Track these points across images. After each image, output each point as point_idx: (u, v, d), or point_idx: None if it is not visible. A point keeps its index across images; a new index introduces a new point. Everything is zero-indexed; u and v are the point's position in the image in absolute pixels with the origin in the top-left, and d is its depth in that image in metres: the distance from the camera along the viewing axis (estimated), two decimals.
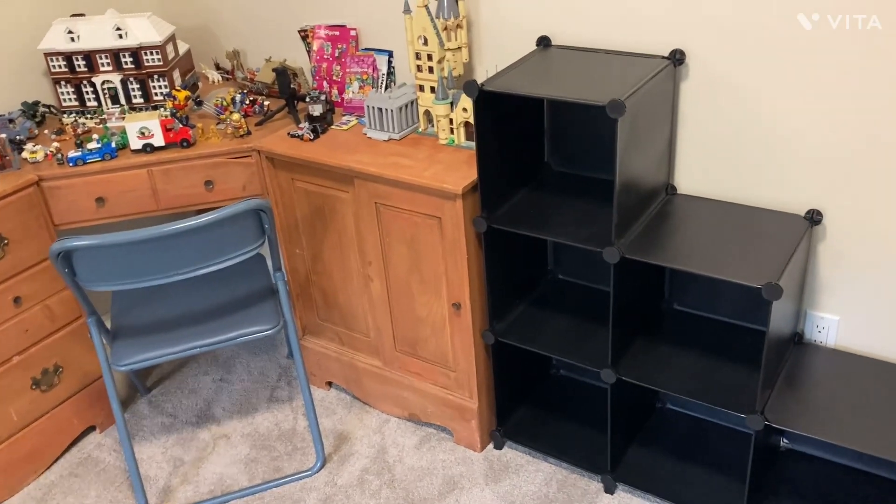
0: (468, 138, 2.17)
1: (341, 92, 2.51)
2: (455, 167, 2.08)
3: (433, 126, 2.25)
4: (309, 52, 2.59)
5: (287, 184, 2.36)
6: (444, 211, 2.05)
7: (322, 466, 2.37)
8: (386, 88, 2.43)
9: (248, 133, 2.39)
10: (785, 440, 2.16)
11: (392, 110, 2.23)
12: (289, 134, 2.34)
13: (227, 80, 2.81)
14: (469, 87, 1.86)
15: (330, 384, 2.69)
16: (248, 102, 2.51)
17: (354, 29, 2.49)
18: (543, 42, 2.10)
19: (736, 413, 1.84)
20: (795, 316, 2.02)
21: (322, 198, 2.30)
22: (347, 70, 2.46)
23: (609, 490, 2.19)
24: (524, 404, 2.44)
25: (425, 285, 2.21)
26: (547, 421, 2.38)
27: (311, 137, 2.30)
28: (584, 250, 1.89)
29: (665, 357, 2.04)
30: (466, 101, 2.09)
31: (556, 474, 2.27)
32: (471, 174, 2.01)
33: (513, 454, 2.36)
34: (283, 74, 2.40)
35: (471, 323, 2.17)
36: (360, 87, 2.44)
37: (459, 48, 2.17)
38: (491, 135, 1.98)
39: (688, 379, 1.96)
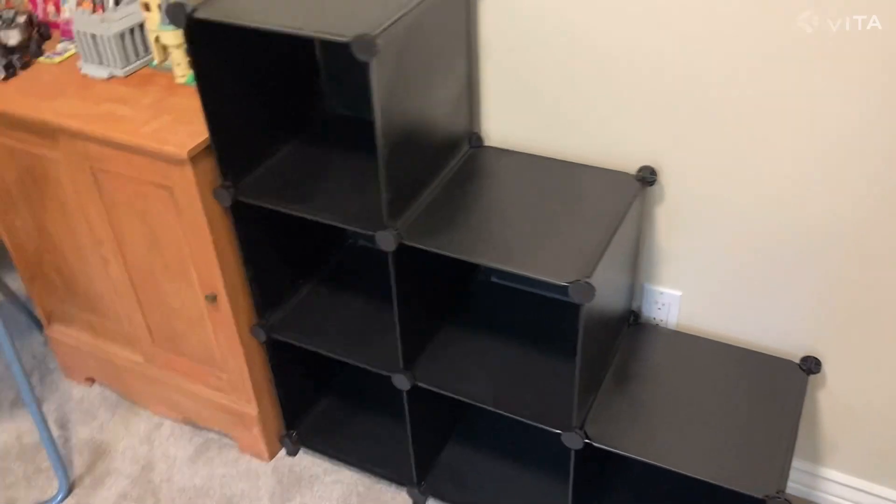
0: None
1: (59, 8, 1.88)
2: (190, 117, 1.54)
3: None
4: None
5: None
6: (173, 179, 1.52)
7: (67, 494, 1.89)
8: (116, 4, 1.83)
9: None
10: None
11: (109, 38, 1.64)
12: None
13: None
14: (173, 12, 1.31)
15: (92, 379, 2.18)
16: None
17: None
18: None
19: (551, 430, 1.46)
20: (629, 291, 1.64)
21: (29, 157, 1.72)
22: None
23: (418, 503, 1.81)
24: (323, 398, 2.01)
25: (170, 271, 1.70)
26: (349, 419, 1.97)
27: (2, 76, 1.69)
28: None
29: (473, 352, 1.63)
30: None
31: (358, 485, 1.87)
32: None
33: (309, 461, 1.94)
34: None
35: (232, 318, 1.69)
36: (80, 2, 1.83)
37: None
38: (225, 76, 1.45)
39: (497, 383, 1.56)
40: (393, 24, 1.23)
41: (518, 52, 1.51)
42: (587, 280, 1.24)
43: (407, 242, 1.38)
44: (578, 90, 1.50)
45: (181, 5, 1.29)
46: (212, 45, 1.39)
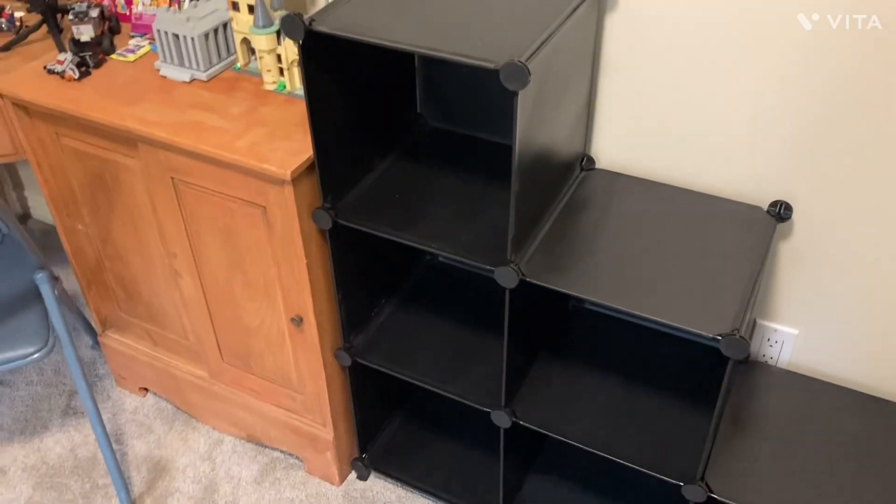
0: None
1: (129, 2, 1.76)
2: (285, 130, 1.43)
3: (257, 60, 1.56)
4: None
5: (51, 140, 1.64)
6: (268, 198, 1.41)
7: None
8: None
9: None
10: None
11: (193, 38, 1.52)
12: (45, 69, 1.60)
13: None
14: (289, 24, 1.19)
15: (146, 389, 2.08)
16: None
17: None
18: None
19: (674, 481, 1.37)
20: (749, 325, 1.54)
21: (100, 162, 1.61)
22: None
23: None
24: (396, 419, 1.92)
25: (252, 290, 1.59)
26: (422, 442, 1.87)
27: (76, 76, 1.57)
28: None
29: (573, 386, 1.53)
30: None
31: None
32: (307, 145, 1.37)
33: (381, 486, 1.85)
34: None
35: (317, 341, 1.59)
36: None
37: None
38: (332, 90, 1.34)
39: (604, 423, 1.46)
40: (539, 47, 1.11)
41: (640, 71, 1.40)
42: (741, 335, 1.14)
43: (530, 280, 1.28)
44: (702, 114, 1.39)
45: (299, 16, 1.17)
46: (322, 58, 1.27)
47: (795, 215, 1.40)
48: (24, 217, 2.64)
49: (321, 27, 1.18)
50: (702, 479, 1.35)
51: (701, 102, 1.38)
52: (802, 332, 1.54)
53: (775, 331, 1.56)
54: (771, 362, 1.59)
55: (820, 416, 1.47)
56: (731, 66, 1.32)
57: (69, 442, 1.97)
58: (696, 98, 1.38)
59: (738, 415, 1.49)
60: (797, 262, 1.46)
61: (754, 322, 1.57)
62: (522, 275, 1.27)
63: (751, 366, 1.58)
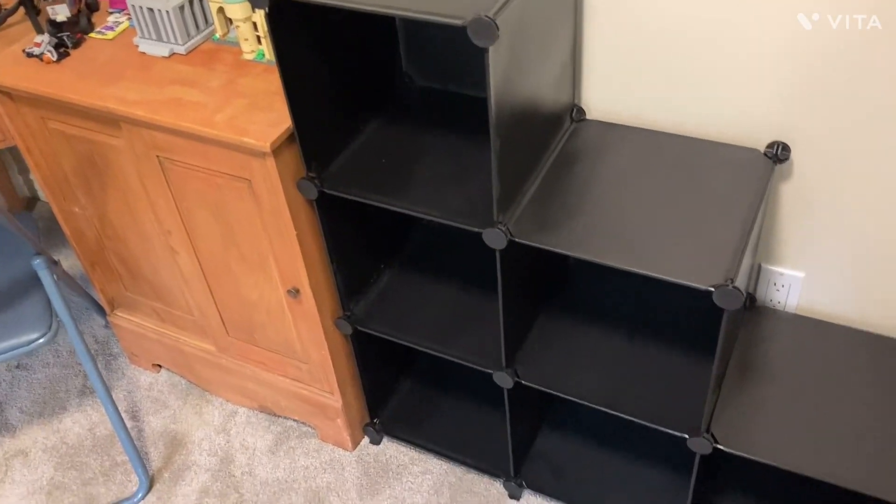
0: None
1: None
2: (265, 101, 1.40)
3: (235, 29, 1.53)
4: None
5: (37, 124, 1.63)
6: (252, 171, 1.39)
7: (148, 491, 1.83)
8: None
9: None
10: None
11: (168, 12, 1.49)
12: (24, 52, 1.59)
13: None
14: None
15: (159, 366, 2.09)
16: None
17: None
18: None
19: (678, 434, 1.35)
20: (747, 272, 1.50)
21: (88, 144, 1.59)
22: None
23: (514, 496, 1.72)
24: (405, 382, 1.92)
25: (248, 264, 1.58)
26: (432, 404, 1.87)
27: (54, 58, 1.55)
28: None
29: (576, 342, 1.51)
30: None
31: (449, 475, 1.79)
32: (287, 114, 1.34)
33: (394, 450, 1.86)
34: None
35: (316, 311, 1.58)
36: None
37: None
38: (307, 56, 1.30)
39: (608, 379, 1.44)
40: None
41: (626, 13, 1.34)
42: (735, 285, 1.11)
43: (518, 240, 1.25)
44: (693, 53, 1.33)
45: None
46: (292, 25, 1.24)
47: (794, 155, 1.35)
48: (32, 200, 2.66)
49: None
50: (707, 430, 1.33)
51: (692, 43, 1.32)
52: (809, 275, 1.49)
53: (781, 275, 1.52)
54: (778, 307, 1.56)
55: (829, 360, 1.44)
56: (723, 3, 1.25)
57: (87, 421, 2.00)
58: (687, 39, 1.32)
59: (745, 362, 1.46)
60: (798, 204, 1.41)
61: (759, 267, 1.53)
62: (511, 235, 1.25)
63: (757, 311, 1.55)
